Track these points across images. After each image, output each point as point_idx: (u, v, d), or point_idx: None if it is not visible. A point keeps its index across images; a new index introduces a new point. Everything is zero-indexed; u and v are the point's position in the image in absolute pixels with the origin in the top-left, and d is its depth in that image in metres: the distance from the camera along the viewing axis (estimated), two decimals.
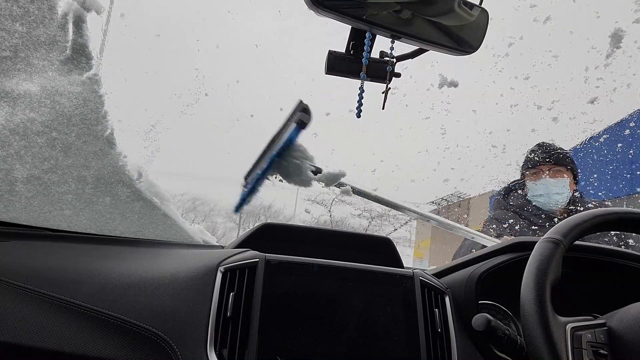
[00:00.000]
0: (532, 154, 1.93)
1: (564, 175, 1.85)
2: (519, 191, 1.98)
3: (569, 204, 1.86)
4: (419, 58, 0.92)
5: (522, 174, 2.00)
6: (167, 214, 1.31)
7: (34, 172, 1.13)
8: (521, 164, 2.05)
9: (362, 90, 0.86)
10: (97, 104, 1.25)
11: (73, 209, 1.18)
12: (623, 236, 1.77)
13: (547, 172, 1.85)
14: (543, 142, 1.94)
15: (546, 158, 1.87)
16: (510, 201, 1.96)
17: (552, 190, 1.83)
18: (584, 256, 1.00)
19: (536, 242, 0.73)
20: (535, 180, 1.89)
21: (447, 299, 0.92)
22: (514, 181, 2.05)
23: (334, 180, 1.09)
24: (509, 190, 2.03)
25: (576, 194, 1.89)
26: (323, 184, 1.09)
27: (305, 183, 1.03)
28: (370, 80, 0.89)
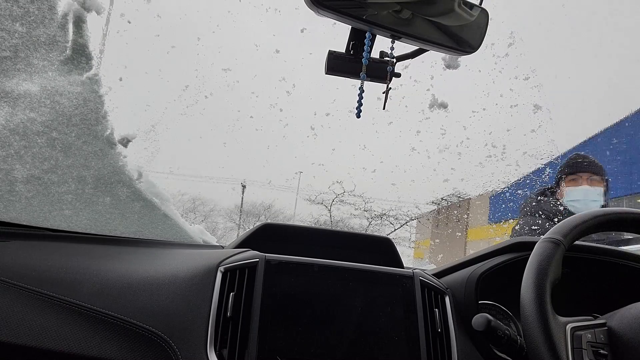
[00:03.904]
0: (573, 161, 2.09)
1: (600, 185, 2.02)
2: (550, 197, 2.12)
3: None
4: (419, 58, 0.92)
5: (557, 180, 2.16)
6: (167, 214, 1.31)
7: (34, 172, 1.13)
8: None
9: (362, 90, 0.86)
10: (97, 104, 1.26)
11: (73, 209, 1.18)
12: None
13: (586, 180, 2.02)
14: (580, 154, 2.11)
15: (586, 166, 2.04)
16: (543, 206, 2.11)
17: (589, 197, 1.99)
18: (584, 256, 1.00)
19: (536, 242, 0.73)
20: (573, 186, 2.05)
21: (447, 299, 0.92)
22: (549, 187, 2.20)
23: None
24: (541, 194, 2.18)
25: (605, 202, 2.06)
26: None
27: None
28: (370, 80, 0.89)
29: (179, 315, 0.79)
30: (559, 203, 2.06)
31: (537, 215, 2.08)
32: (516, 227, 2.16)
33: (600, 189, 2.00)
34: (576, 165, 2.05)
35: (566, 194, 2.05)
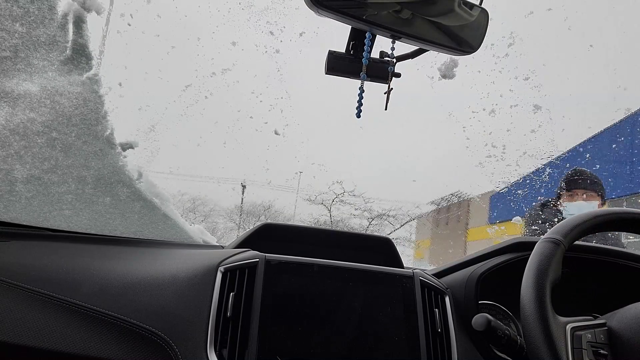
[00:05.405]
0: (570, 178, 2.29)
1: (596, 200, 2.20)
2: (551, 209, 2.33)
3: None
4: (420, 58, 0.92)
5: (558, 194, 2.35)
6: (167, 214, 1.31)
7: (34, 172, 1.13)
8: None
9: (362, 90, 0.86)
10: (97, 104, 1.26)
11: (73, 209, 1.18)
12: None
13: (582, 196, 2.23)
14: (577, 169, 2.30)
15: (581, 183, 2.22)
16: (544, 215, 2.31)
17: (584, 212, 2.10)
18: (584, 256, 1.00)
19: (536, 242, 0.73)
20: (570, 201, 2.26)
21: (447, 299, 0.92)
22: (550, 200, 2.40)
23: None
24: (543, 205, 2.37)
25: None
26: None
27: None
28: (371, 81, 0.89)
29: (179, 315, 0.79)
30: (560, 215, 2.24)
31: (540, 225, 2.27)
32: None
33: (595, 203, 2.20)
34: (572, 182, 2.27)
35: (564, 209, 2.27)
